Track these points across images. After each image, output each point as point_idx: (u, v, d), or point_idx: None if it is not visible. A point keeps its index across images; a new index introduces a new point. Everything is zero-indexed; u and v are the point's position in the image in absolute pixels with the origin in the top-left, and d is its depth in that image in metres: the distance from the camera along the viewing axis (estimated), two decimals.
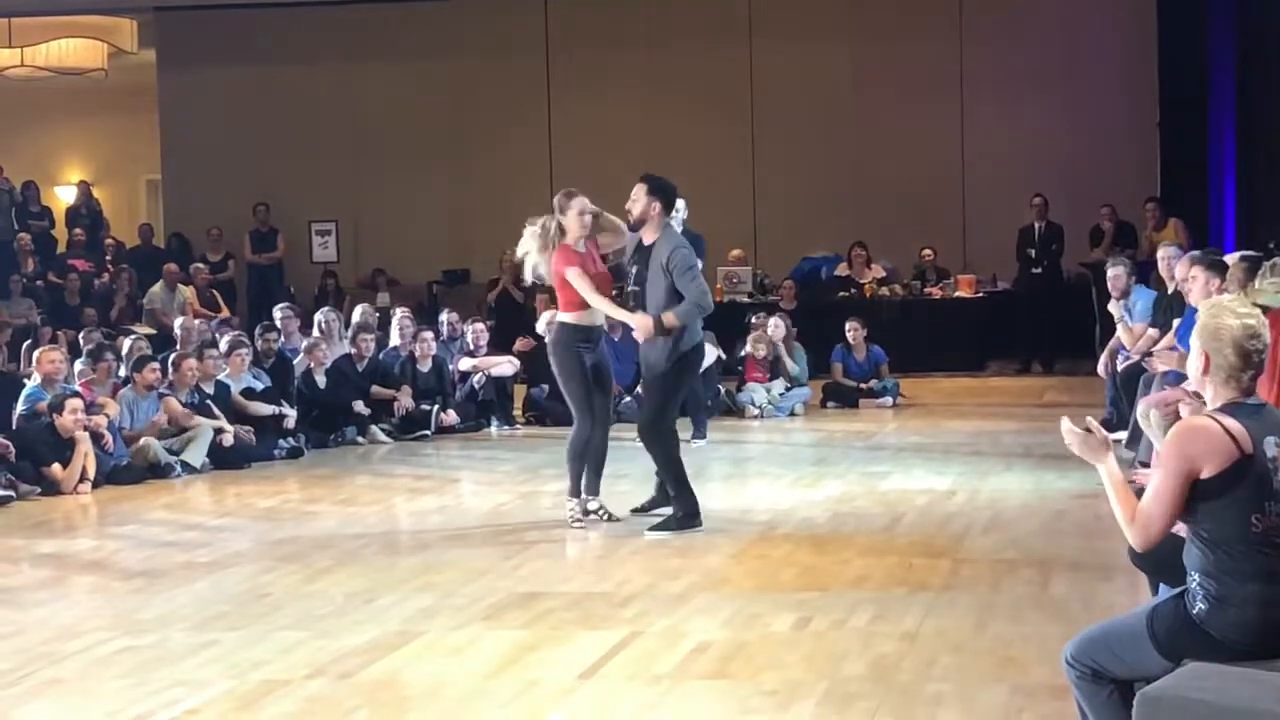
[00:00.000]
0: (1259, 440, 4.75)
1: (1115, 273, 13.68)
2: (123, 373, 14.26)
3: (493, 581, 8.81)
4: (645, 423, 10.43)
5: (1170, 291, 12.58)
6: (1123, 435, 11.58)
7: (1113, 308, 13.45)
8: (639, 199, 10.41)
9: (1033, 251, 20.35)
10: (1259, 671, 4.60)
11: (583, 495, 10.38)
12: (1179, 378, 9.90)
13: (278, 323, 16.52)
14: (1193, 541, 4.81)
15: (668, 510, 10.35)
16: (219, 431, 13.80)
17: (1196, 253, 11.09)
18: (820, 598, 8.17)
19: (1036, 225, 20.37)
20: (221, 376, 14.50)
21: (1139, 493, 4.96)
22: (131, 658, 7.36)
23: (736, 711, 6.28)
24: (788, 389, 17.02)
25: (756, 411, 16.68)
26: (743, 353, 17.15)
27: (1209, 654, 4.72)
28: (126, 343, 15.29)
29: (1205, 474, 4.73)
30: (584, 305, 10.18)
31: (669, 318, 10.07)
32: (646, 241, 10.43)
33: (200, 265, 22.11)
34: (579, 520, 10.31)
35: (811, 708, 6.27)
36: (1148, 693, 4.60)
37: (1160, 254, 13.09)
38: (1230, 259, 10.81)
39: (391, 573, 9.18)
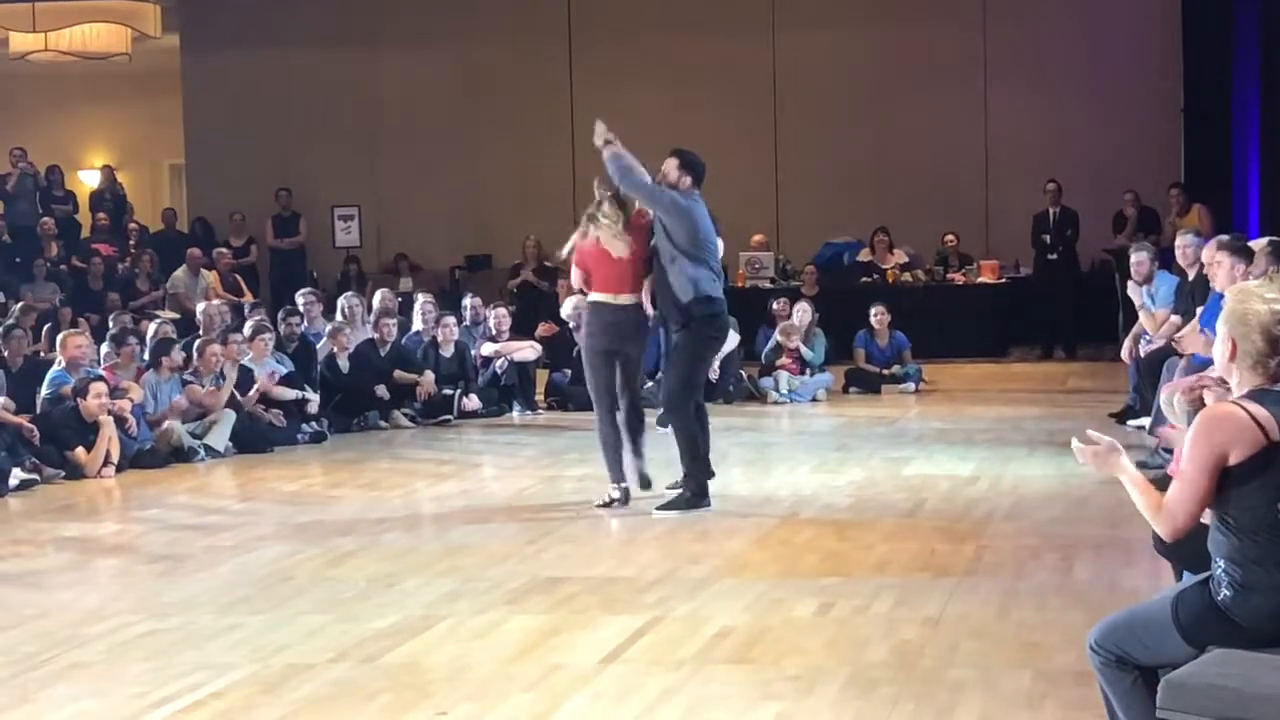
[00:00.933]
0: None
1: (1139, 258, 13.64)
2: (146, 357, 14.28)
3: (515, 566, 8.82)
4: (665, 396, 10.53)
5: (1192, 278, 12.53)
6: (1145, 421, 11.56)
7: (1132, 292, 13.42)
8: (670, 170, 10.46)
9: (1047, 237, 20.31)
10: None
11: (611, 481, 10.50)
12: (1204, 363, 9.87)
13: (300, 307, 16.54)
14: (1218, 528, 4.79)
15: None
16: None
17: (1223, 237, 11.02)
18: (843, 583, 8.18)
19: (1051, 211, 20.32)
20: (245, 361, 14.52)
21: (1167, 482, 4.94)
22: (155, 641, 7.38)
23: (759, 697, 6.29)
24: (809, 375, 17.02)
25: (778, 397, 16.67)
26: (770, 346, 17.15)
27: (1234, 641, 4.70)
28: (152, 326, 15.31)
29: (1232, 461, 4.71)
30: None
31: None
32: None
33: (223, 250, 22.15)
34: (603, 504, 10.44)
35: (834, 693, 6.27)
36: (1172, 679, 4.59)
37: (1179, 241, 13.04)
38: (1256, 244, 10.77)
39: (414, 557, 9.20)
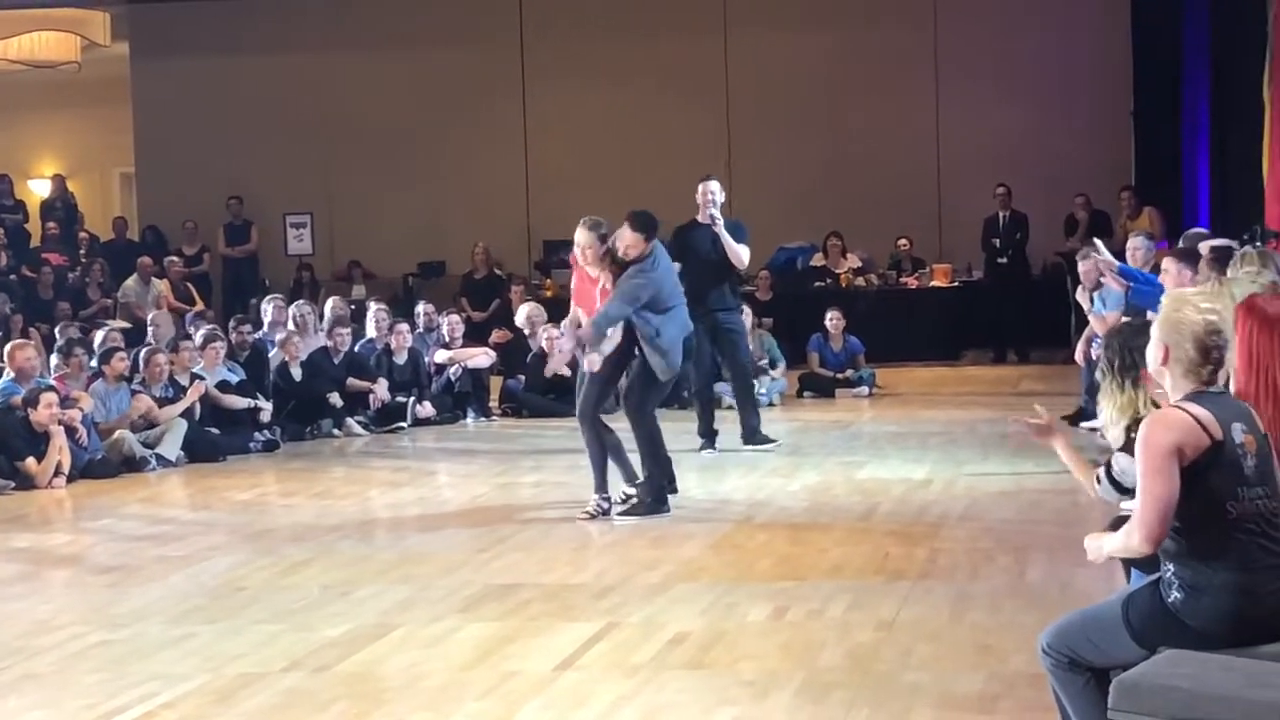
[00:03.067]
0: (1227, 426, 4.76)
1: (1085, 265, 13.68)
2: (95, 365, 14.21)
3: (470, 573, 8.80)
4: (627, 406, 10.56)
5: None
6: (1098, 423, 11.58)
7: (1080, 298, 13.49)
8: (628, 241, 10.41)
9: (997, 241, 20.41)
10: (1234, 659, 4.61)
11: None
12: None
13: (268, 314, 16.48)
14: (1168, 532, 4.80)
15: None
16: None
17: (1201, 234, 11.04)
18: (797, 587, 8.18)
19: (1001, 215, 20.44)
20: (196, 369, 14.46)
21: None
22: (107, 652, 7.34)
23: (714, 702, 6.28)
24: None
25: (732, 402, 16.65)
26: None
27: (1184, 642, 4.72)
28: (100, 334, 15.23)
29: (1182, 462, 4.73)
30: None
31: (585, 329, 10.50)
32: None
33: (174, 258, 22.06)
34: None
35: (789, 697, 6.28)
36: (1124, 680, 4.60)
37: (1130, 244, 13.09)
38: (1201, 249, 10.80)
39: (368, 565, 9.17)
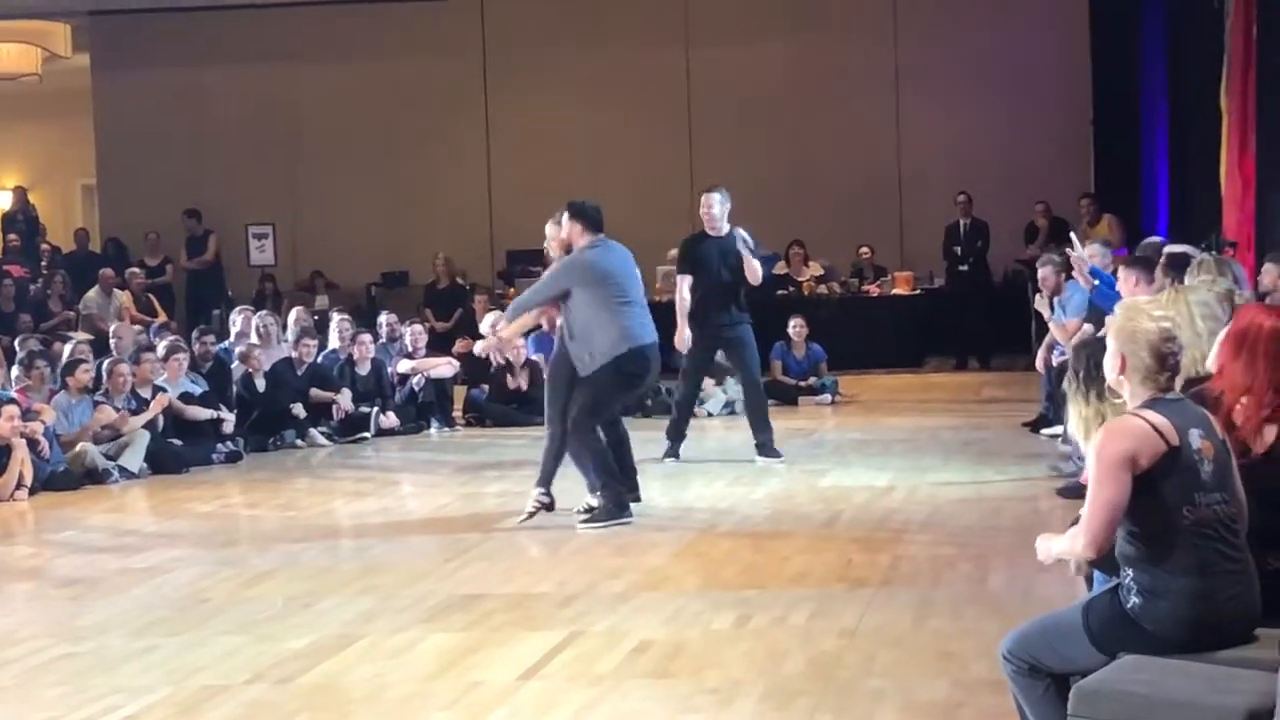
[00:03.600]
0: (1184, 432, 4.81)
1: (1044, 273, 13.76)
2: (57, 377, 14.17)
3: (433, 584, 8.81)
4: (572, 419, 10.43)
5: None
6: (1059, 430, 11.64)
7: (1039, 305, 13.55)
8: (564, 228, 10.57)
9: (958, 249, 20.50)
10: (1193, 664, 4.65)
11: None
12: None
13: (237, 325, 16.44)
14: (1125, 538, 4.84)
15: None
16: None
17: (1158, 243, 11.11)
18: (760, 595, 8.21)
19: (962, 222, 20.54)
20: (159, 381, 14.43)
21: (1080, 490, 5.01)
22: (70, 664, 7.33)
23: (677, 710, 6.30)
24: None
25: (696, 409, 16.69)
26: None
27: (1143, 647, 4.76)
28: (67, 347, 15.18)
29: (1138, 468, 4.77)
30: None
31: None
32: None
33: (136, 270, 21.98)
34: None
35: (752, 705, 6.30)
36: (1083, 686, 4.64)
37: (1087, 252, 13.16)
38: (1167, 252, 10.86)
39: (331, 576, 9.17)
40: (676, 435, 13.21)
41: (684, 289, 12.80)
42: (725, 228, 12.78)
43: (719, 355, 13.42)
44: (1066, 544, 4.93)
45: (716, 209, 12.80)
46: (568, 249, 10.53)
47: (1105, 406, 5.19)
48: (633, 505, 10.52)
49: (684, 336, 12.77)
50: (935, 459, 12.84)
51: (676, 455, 13.12)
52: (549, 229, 10.70)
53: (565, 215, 10.56)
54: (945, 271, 20.84)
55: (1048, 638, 4.95)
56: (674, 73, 22.80)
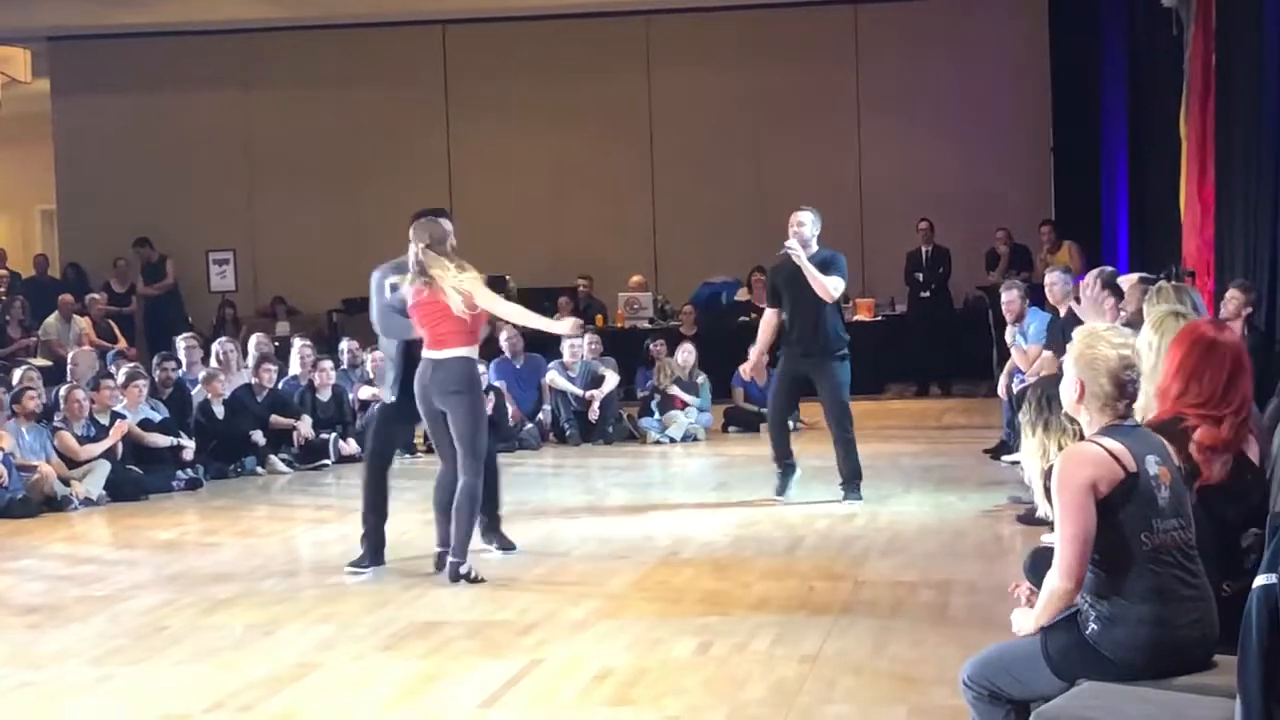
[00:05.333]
0: (1140, 458, 4.83)
1: (1009, 297, 13.80)
2: None
3: (393, 611, 8.78)
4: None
5: (1063, 314, 12.69)
6: (1019, 456, 11.66)
7: (1007, 334, 13.61)
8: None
9: (920, 275, 20.57)
10: (1151, 690, 4.66)
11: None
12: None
13: (181, 353, 16.39)
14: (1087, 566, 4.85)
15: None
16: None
17: (1106, 269, 11.13)
18: (721, 622, 8.20)
19: (924, 249, 20.61)
20: (118, 408, 14.38)
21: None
22: (28, 693, 7.29)
23: None
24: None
25: (658, 437, 16.74)
26: (652, 387, 17.26)
27: (1102, 674, 4.77)
28: (17, 373, 15.12)
29: (1096, 495, 4.79)
30: (476, 338, 9.80)
31: None
32: None
33: (96, 296, 21.90)
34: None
35: None
36: (1042, 713, 4.65)
37: (1048, 279, 13.21)
38: (1126, 280, 10.92)
39: (292, 604, 9.13)
40: (781, 460, 12.36)
41: (766, 321, 12.42)
42: (796, 248, 11.98)
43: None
44: (1044, 595, 4.92)
45: (808, 229, 12.06)
46: None
47: (1053, 439, 5.21)
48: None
49: (753, 364, 12.85)
50: (896, 486, 12.86)
51: (789, 479, 12.33)
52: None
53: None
54: (907, 298, 20.89)
55: (1007, 664, 4.97)
56: (635, 99, 22.85)
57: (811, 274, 11.86)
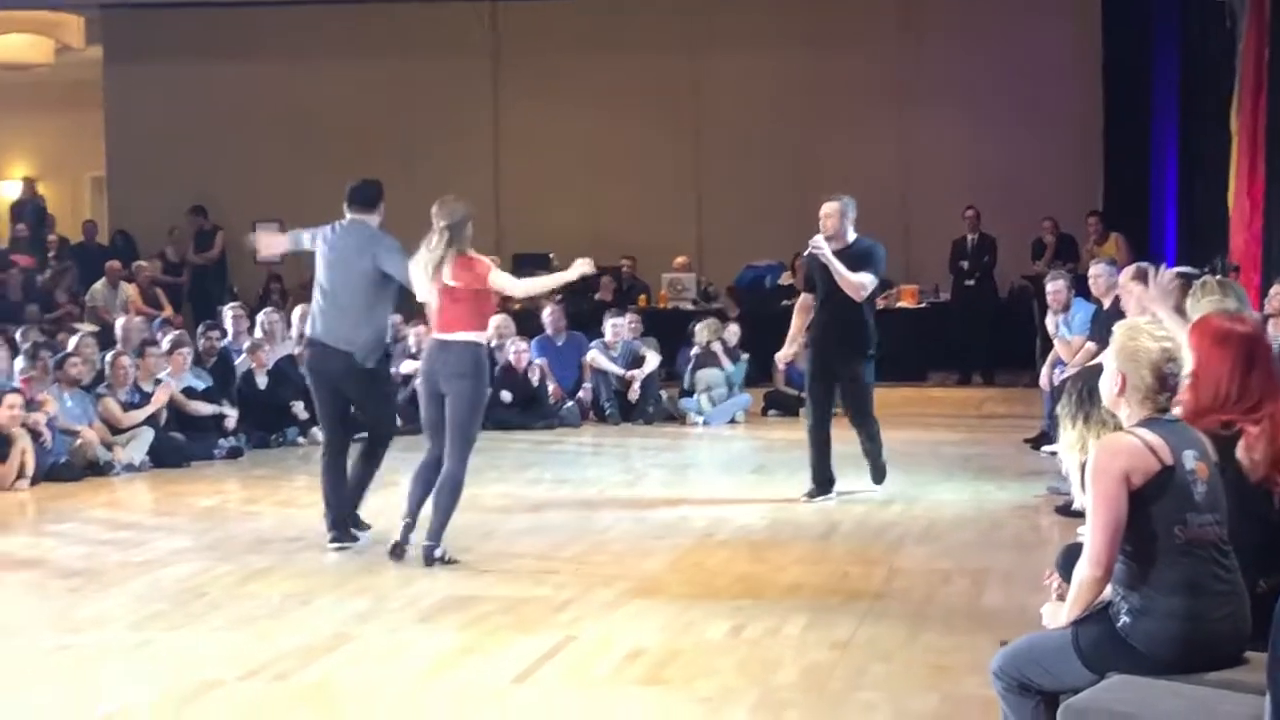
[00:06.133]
0: (1178, 452, 4.83)
1: (1055, 287, 13.75)
2: None
3: (429, 585, 8.83)
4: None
5: (1106, 306, 12.66)
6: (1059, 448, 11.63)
7: (1049, 322, 13.56)
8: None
9: (965, 263, 20.52)
10: (1181, 684, 4.67)
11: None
12: None
13: (227, 322, 16.47)
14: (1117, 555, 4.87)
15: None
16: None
17: (1141, 264, 11.11)
18: (755, 605, 8.22)
19: (969, 237, 20.54)
20: (162, 375, 14.47)
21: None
22: (67, 656, 7.35)
23: (668, 717, 6.33)
24: (727, 393, 17.12)
25: (696, 418, 16.77)
26: (695, 350, 17.28)
27: (1132, 667, 4.77)
28: (73, 340, 15.22)
29: (1131, 487, 4.80)
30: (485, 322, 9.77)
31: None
32: None
33: (144, 263, 22.03)
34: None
35: (743, 714, 6.32)
36: (1071, 705, 4.66)
37: (1092, 270, 13.14)
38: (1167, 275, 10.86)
39: (329, 575, 9.19)
40: (819, 478, 11.70)
41: (801, 306, 11.81)
42: (820, 245, 11.37)
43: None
44: (1075, 585, 4.93)
45: (831, 221, 11.49)
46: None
47: (1092, 432, 5.21)
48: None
49: (787, 350, 12.13)
50: (935, 473, 12.86)
51: (827, 493, 11.67)
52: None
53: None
54: (951, 286, 20.84)
55: (1037, 656, 4.97)
56: (684, 81, 22.84)
57: (838, 272, 11.24)
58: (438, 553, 9.34)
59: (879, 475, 11.88)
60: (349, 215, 10.43)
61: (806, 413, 11.91)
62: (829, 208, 11.56)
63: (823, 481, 11.62)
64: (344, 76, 23.40)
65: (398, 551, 9.47)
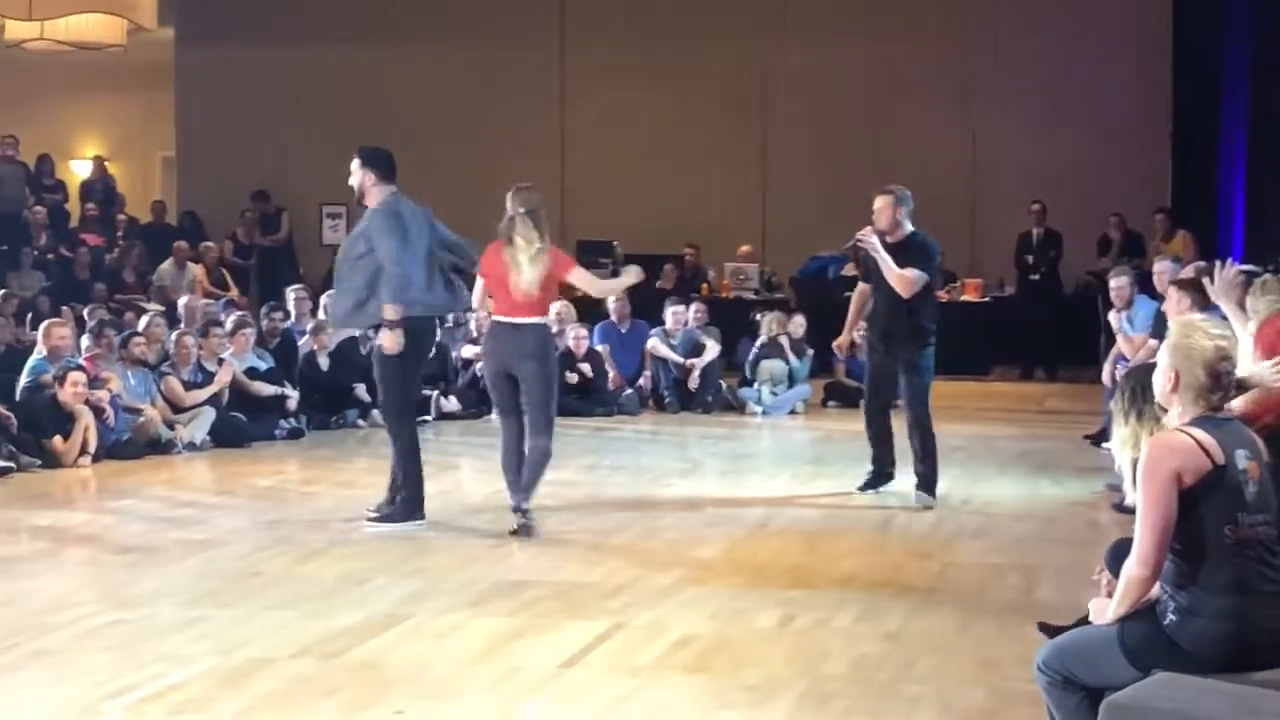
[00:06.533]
0: (1230, 451, 4.80)
1: (1119, 283, 13.67)
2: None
3: (483, 569, 8.87)
4: (383, 408, 10.60)
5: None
6: None
7: (1112, 318, 13.48)
8: (355, 174, 10.53)
9: (1030, 258, 20.40)
10: (1225, 683, 4.64)
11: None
12: None
13: (291, 304, 16.57)
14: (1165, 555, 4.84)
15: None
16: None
17: (1203, 264, 11.04)
18: (806, 595, 8.22)
19: (1035, 232, 20.41)
20: (225, 355, 14.57)
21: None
22: (119, 631, 7.42)
23: (713, 705, 6.33)
24: (788, 386, 17.11)
25: (755, 408, 16.77)
26: (761, 340, 17.29)
27: (1178, 665, 4.75)
28: (144, 320, 15.33)
29: (1182, 486, 4.77)
30: (549, 307, 10.08)
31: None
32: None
33: (211, 245, 22.19)
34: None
35: (788, 705, 6.32)
36: (1113, 701, 4.64)
37: (1156, 267, 13.06)
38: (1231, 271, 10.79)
39: (383, 556, 9.23)
40: (878, 472, 11.52)
41: (859, 294, 11.54)
42: (864, 239, 11.05)
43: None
44: (1122, 582, 4.91)
45: (883, 216, 11.11)
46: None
47: (1145, 429, 5.19)
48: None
49: (844, 338, 11.77)
50: (992, 468, 12.82)
51: (875, 488, 11.44)
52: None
53: (357, 161, 10.43)
54: (1016, 280, 20.73)
55: (1083, 652, 4.96)
56: (751, 70, 22.79)
57: (887, 266, 10.87)
58: (525, 505, 9.77)
59: (931, 475, 11.14)
60: (395, 187, 10.55)
61: (864, 403, 11.62)
62: (881, 201, 11.16)
63: (879, 473, 11.41)
64: (413, 62, 23.46)
65: (526, 531, 9.76)
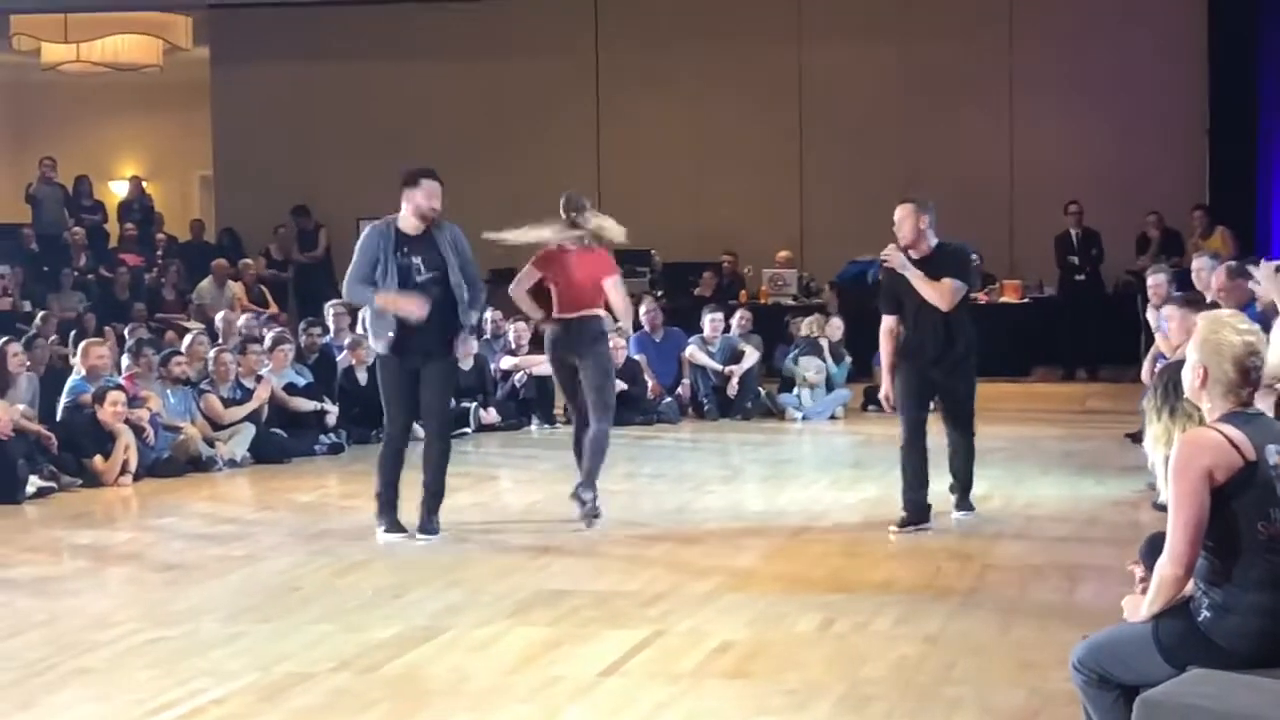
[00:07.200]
0: (1261, 447, 4.77)
1: (1155, 281, 13.61)
2: None
3: (522, 579, 8.88)
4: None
5: (1209, 301, 12.51)
6: None
7: (1150, 316, 13.42)
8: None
9: (1075, 258, 20.29)
10: (1261, 679, 4.61)
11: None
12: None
13: (329, 319, 16.63)
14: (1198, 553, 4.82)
15: None
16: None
17: (1233, 263, 11.00)
18: (846, 600, 8.21)
19: (1073, 232, 20.31)
20: (264, 371, 14.62)
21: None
22: (161, 648, 7.44)
23: (753, 710, 6.32)
24: (827, 391, 17.10)
25: (797, 415, 16.75)
26: (801, 338, 17.33)
27: (1213, 662, 4.73)
28: (186, 339, 15.38)
29: (1214, 483, 4.75)
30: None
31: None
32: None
33: (249, 261, 22.28)
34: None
35: (828, 708, 6.31)
36: (1148, 697, 4.62)
37: (1194, 264, 12.99)
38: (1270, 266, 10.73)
39: (423, 568, 9.25)
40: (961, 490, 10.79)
41: (887, 332, 10.43)
42: (890, 256, 10.25)
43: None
44: (1155, 582, 4.89)
45: (906, 226, 10.27)
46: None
47: (1178, 425, 5.16)
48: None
49: (887, 387, 10.52)
50: (1034, 468, 12.79)
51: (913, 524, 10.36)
52: None
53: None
54: (1058, 280, 20.63)
55: (1117, 649, 4.94)
56: (786, 73, 22.76)
57: (918, 281, 10.12)
58: (586, 495, 10.44)
59: (969, 489, 10.74)
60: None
61: (900, 434, 10.42)
62: (902, 211, 10.25)
63: (916, 510, 10.31)
64: (447, 74, 23.51)
65: (590, 517, 10.45)
